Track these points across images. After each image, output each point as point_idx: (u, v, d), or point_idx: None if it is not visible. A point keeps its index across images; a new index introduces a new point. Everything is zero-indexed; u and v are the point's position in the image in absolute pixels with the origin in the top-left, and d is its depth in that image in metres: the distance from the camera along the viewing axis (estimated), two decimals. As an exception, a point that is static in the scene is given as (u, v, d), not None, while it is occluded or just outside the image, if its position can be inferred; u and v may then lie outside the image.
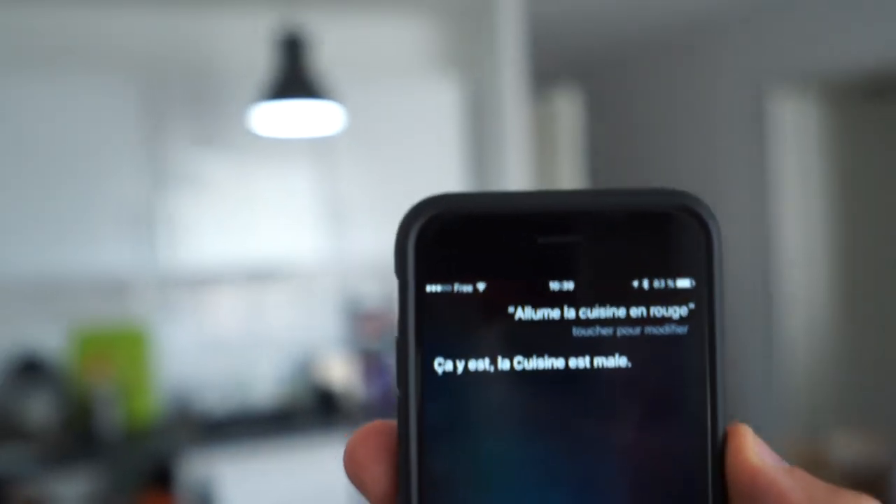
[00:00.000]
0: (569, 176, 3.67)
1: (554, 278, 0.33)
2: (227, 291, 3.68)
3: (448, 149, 3.63)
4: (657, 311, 0.34)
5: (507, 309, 0.33)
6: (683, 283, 0.34)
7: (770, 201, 3.80)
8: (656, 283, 0.34)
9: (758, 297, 3.91)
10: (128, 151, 3.17)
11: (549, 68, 5.34)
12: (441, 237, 0.33)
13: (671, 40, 4.37)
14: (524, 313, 0.33)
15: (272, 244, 3.39)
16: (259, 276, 3.64)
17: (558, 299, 0.33)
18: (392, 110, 3.54)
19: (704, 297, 0.34)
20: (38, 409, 3.06)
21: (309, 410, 3.54)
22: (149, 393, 3.44)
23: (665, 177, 4.49)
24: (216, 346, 3.64)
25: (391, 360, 3.49)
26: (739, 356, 4.04)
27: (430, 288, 0.33)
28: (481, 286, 0.33)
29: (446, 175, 3.62)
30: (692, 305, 0.34)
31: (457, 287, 0.33)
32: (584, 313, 0.33)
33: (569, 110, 3.65)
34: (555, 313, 0.33)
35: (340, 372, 3.54)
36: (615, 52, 4.81)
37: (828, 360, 3.78)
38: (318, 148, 3.44)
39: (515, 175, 3.48)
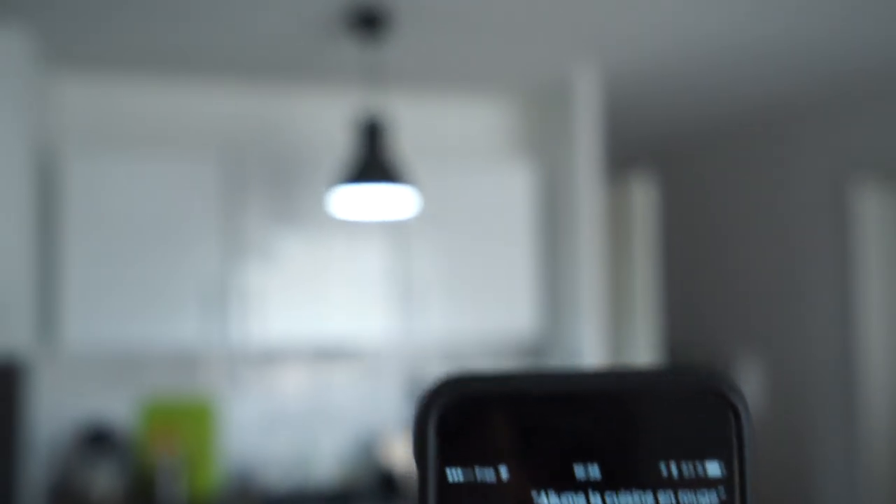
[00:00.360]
0: (642, 262, 3.63)
1: (578, 462, 0.32)
2: (295, 368, 3.70)
3: (521, 233, 3.63)
4: (686, 497, 0.32)
5: (530, 495, 0.32)
6: (713, 466, 0.33)
7: (852, 294, 3.68)
8: (685, 468, 0.33)
9: (838, 395, 3.76)
10: (207, 227, 3.26)
11: (624, 153, 5.34)
12: (463, 421, 0.32)
13: (750, 127, 4.33)
14: (549, 500, 0.32)
15: (341, 322, 3.41)
16: (327, 354, 3.66)
17: (583, 484, 0.32)
18: (466, 193, 3.57)
19: (735, 481, 0.33)
20: (104, 479, 3.10)
21: (369, 491, 3.50)
22: (212, 466, 3.46)
23: (742, 265, 4.40)
24: (281, 422, 3.65)
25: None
26: (819, 452, 3.87)
27: (452, 474, 0.32)
28: (504, 472, 0.32)
29: (519, 259, 3.61)
30: (722, 491, 0.33)
31: (479, 473, 0.32)
32: (611, 499, 0.32)
33: (643, 196, 3.62)
34: (580, 499, 0.32)
35: (402, 454, 3.50)
36: (692, 137, 4.78)
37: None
38: (391, 228, 3.48)
39: (588, 260, 3.44)
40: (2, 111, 2.79)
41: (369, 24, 2.65)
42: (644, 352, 3.61)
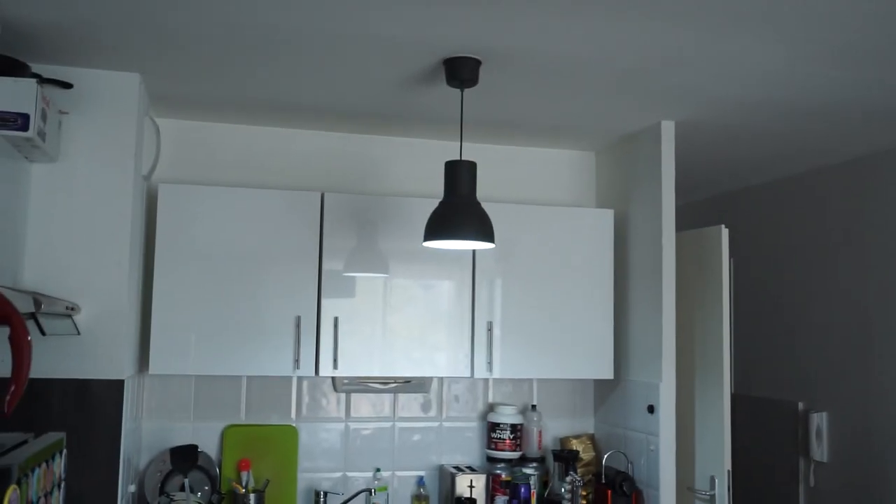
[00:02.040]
0: (712, 311, 3.66)
1: None
2: (370, 399, 3.82)
3: (601, 279, 3.71)
4: None
5: None
6: None
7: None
8: None
9: (912, 451, 3.71)
10: (298, 260, 3.41)
11: (696, 202, 5.38)
12: None
13: (824, 176, 4.34)
14: None
15: (418, 356, 3.52)
16: (403, 386, 3.77)
17: None
18: (547, 239, 3.67)
19: None
20: (190, 499, 3.24)
21: (439, 525, 3.59)
22: (292, 491, 3.59)
23: (815, 316, 4.39)
24: (356, 451, 3.77)
25: (519, 483, 3.51)
26: (891, 512, 3.82)
27: None
28: None
29: (597, 305, 3.69)
30: None
31: None
32: None
33: (717, 243, 3.67)
34: None
35: (473, 486, 3.58)
36: (766, 186, 4.81)
37: None
38: (470, 267, 3.59)
39: (669, 308, 3.50)
40: (117, 145, 2.98)
41: (461, 74, 2.78)
42: (713, 402, 3.63)
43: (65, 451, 2.60)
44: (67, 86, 2.84)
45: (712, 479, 3.58)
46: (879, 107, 3.25)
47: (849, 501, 4.08)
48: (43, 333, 2.52)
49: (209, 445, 3.60)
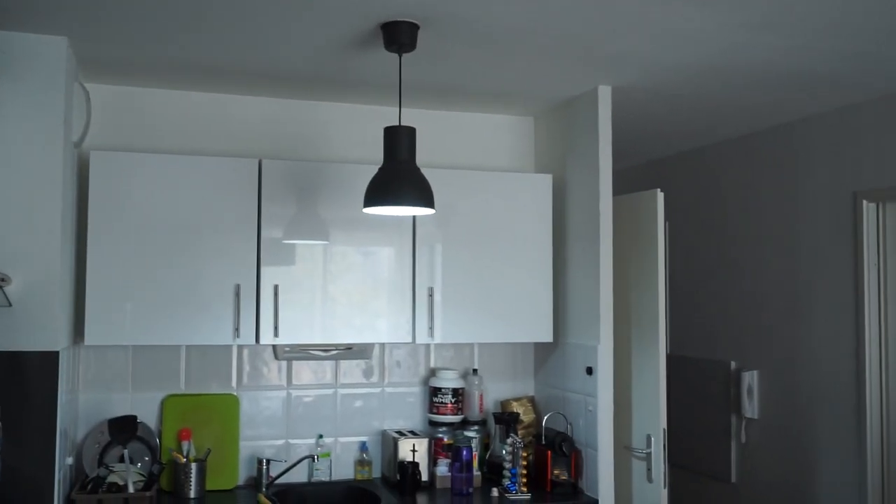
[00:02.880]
0: (647, 273, 3.73)
1: None
2: (311, 366, 3.82)
3: (539, 244, 3.74)
4: None
5: None
6: None
7: (860, 305, 3.78)
8: None
9: (843, 408, 3.86)
10: (236, 228, 3.37)
11: (631, 165, 5.45)
12: None
13: (757, 139, 4.44)
14: None
15: (359, 322, 3.53)
16: (344, 353, 3.77)
17: None
18: (486, 204, 3.69)
19: None
20: (129, 470, 3.21)
21: (382, 486, 3.62)
22: (234, 459, 3.58)
23: (748, 277, 4.50)
24: (298, 418, 3.77)
25: (462, 447, 3.56)
26: (822, 467, 3.98)
27: None
28: None
29: (536, 269, 3.73)
30: None
31: None
32: None
33: (649, 208, 3.73)
34: None
35: (416, 450, 3.61)
36: (700, 150, 4.90)
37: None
38: (410, 233, 3.59)
39: (606, 271, 3.55)
40: (46, 111, 2.89)
41: (399, 39, 2.76)
42: (650, 363, 3.72)
43: (0, 424, 2.55)
44: (-9, 49, 2.74)
45: (648, 438, 3.68)
46: (809, 72, 3.33)
47: (777, 455, 4.24)
48: (-28, 305, 2.45)
49: (149, 416, 3.56)
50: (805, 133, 4.11)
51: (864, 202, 3.75)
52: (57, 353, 2.86)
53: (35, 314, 2.84)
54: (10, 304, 2.79)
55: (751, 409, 4.39)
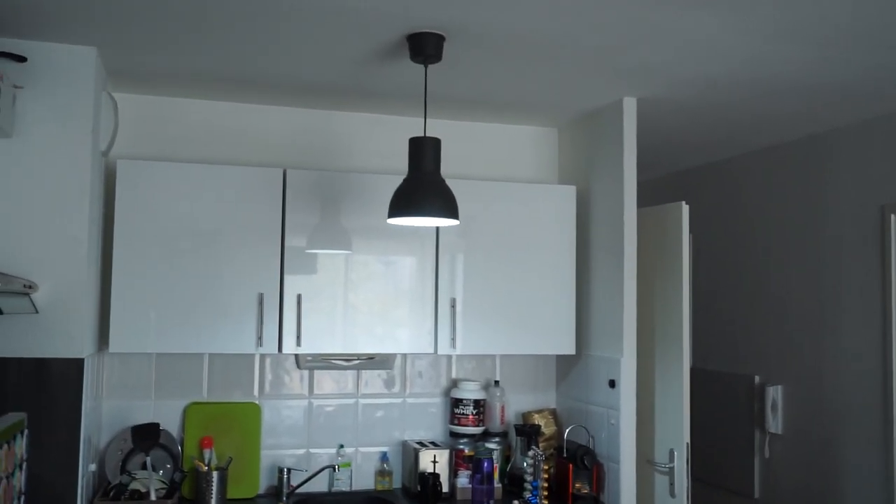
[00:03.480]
0: (673, 286, 3.71)
1: None
2: (333, 376, 3.82)
3: (563, 255, 3.73)
4: None
5: None
6: None
7: (887, 320, 3.73)
8: None
9: (870, 425, 3.81)
10: (260, 238, 3.38)
11: (658, 177, 5.43)
12: None
13: (785, 153, 4.41)
14: None
15: (381, 332, 3.52)
16: (366, 363, 3.77)
17: None
18: (510, 215, 3.68)
19: None
20: (151, 477, 3.22)
21: (403, 496, 3.61)
22: (255, 467, 3.58)
23: (774, 291, 4.47)
24: (320, 428, 3.77)
25: (482, 458, 3.55)
26: (847, 484, 3.93)
27: None
28: None
29: (560, 281, 3.72)
30: None
31: None
32: None
33: (677, 219, 3.70)
34: None
35: (437, 461, 3.60)
36: (727, 162, 4.87)
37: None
38: (433, 243, 3.59)
39: (630, 284, 3.53)
40: (74, 120, 2.92)
41: (425, 50, 2.76)
42: (673, 376, 3.69)
43: (26, 431, 2.57)
44: (21, 59, 2.77)
45: (671, 452, 3.65)
46: (834, 84, 3.30)
47: (801, 472, 4.19)
48: (0, 312, 2.47)
49: (171, 423, 3.58)
50: (832, 145, 4.08)
51: (892, 216, 3.70)
52: (82, 360, 2.88)
53: (61, 321, 2.86)
54: (37, 312, 2.82)
55: (775, 423, 4.34)
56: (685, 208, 3.69)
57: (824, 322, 4.08)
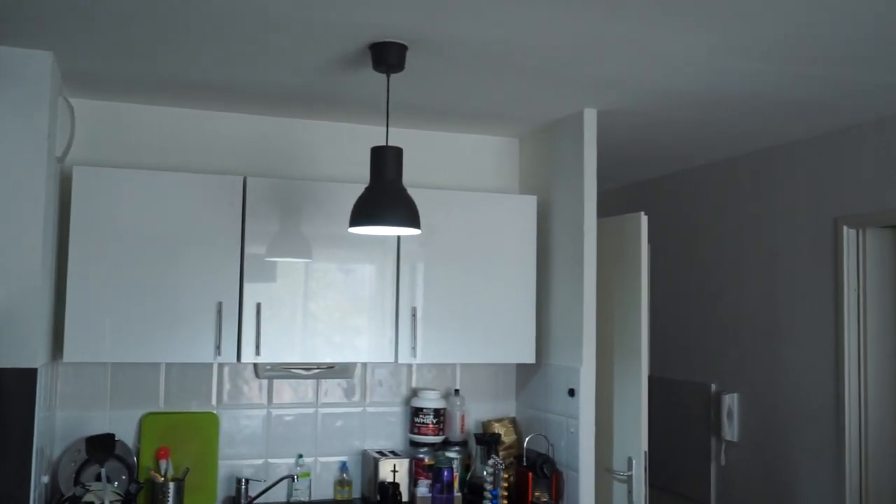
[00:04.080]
0: (630, 295, 3.75)
1: None
2: (293, 385, 3.79)
3: (523, 265, 3.75)
4: None
5: None
6: None
7: (839, 331, 3.80)
8: None
9: (821, 432, 3.88)
10: (219, 246, 3.35)
11: (615, 188, 5.48)
12: None
13: (739, 163, 4.48)
14: None
15: (340, 341, 3.51)
16: (326, 372, 3.75)
17: None
18: (470, 224, 3.69)
19: None
20: (106, 489, 3.17)
21: (362, 510, 3.59)
22: (211, 478, 3.54)
23: (729, 301, 4.53)
24: (278, 438, 3.74)
25: (442, 468, 3.54)
26: (799, 490, 3.99)
27: None
28: None
29: (520, 290, 3.73)
30: None
31: None
32: None
33: (636, 230, 3.74)
34: None
35: (397, 470, 3.59)
36: (681, 174, 4.93)
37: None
38: (394, 252, 3.58)
39: (589, 293, 3.56)
40: (30, 125, 2.87)
41: (387, 60, 2.76)
42: (631, 385, 3.72)
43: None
44: (-25, 62, 2.72)
45: (630, 460, 3.68)
46: (791, 98, 3.36)
47: (757, 478, 4.25)
48: (-49, 321, 2.42)
49: (126, 434, 3.52)
50: (786, 158, 4.15)
51: (845, 228, 3.78)
52: (35, 370, 2.82)
53: (14, 330, 2.80)
54: (-11, 320, 2.75)
55: (730, 431, 4.40)
56: (644, 219, 3.73)
57: (779, 332, 4.15)
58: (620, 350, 3.81)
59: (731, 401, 4.40)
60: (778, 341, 4.15)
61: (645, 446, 3.63)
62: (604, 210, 3.87)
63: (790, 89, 3.22)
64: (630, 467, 3.67)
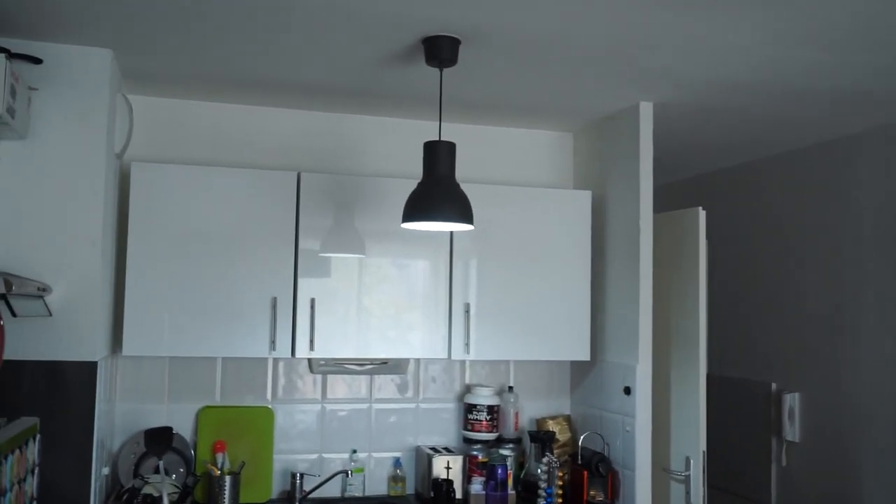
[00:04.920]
0: (689, 292, 3.67)
1: None
2: (346, 380, 3.80)
3: (578, 261, 3.70)
4: None
5: None
6: None
7: (900, 333, 3.69)
8: None
9: (883, 432, 3.77)
10: (274, 241, 3.37)
11: (673, 183, 5.39)
12: None
13: (802, 157, 4.36)
14: None
15: (394, 336, 3.50)
16: (379, 368, 3.76)
17: None
18: (525, 220, 3.65)
19: None
20: (164, 482, 3.21)
21: (417, 502, 3.59)
22: (266, 472, 3.57)
23: (791, 297, 4.42)
24: (332, 433, 3.75)
25: (496, 465, 3.52)
26: (859, 490, 3.88)
27: None
28: None
29: (575, 287, 3.69)
30: None
31: None
32: None
33: (694, 225, 3.67)
34: None
35: (450, 467, 3.58)
36: (744, 167, 4.83)
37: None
38: (447, 248, 3.57)
39: (646, 289, 3.50)
40: (89, 122, 2.92)
41: (440, 54, 2.74)
42: (689, 383, 3.65)
43: (38, 436, 2.56)
44: (37, 61, 2.77)
45: (687, 460, 3.61)
46: (854, 89, 3.26)
47: (819, 480, 4.14)
48: (14, 315, 2.47)
49: (184, 427, 3.57)
50: (851, 150, 4.03)
51: (913, 222, 3.66)
52: (95, 363, 2.87)
53: (74, 324, 2.86)
54: (51, 314, 2.81)
55: (792, 431, 4.29)
56: (702, 214, 3.65)
57: (843, 329, 4.03)
58: (678, 347, 3.74)
59: (792, 400, 4.29)
60: (842, 339, 4.03)
61: (703, 446, 3.56)
62: (660, 205, 3.80)
63: (845, 79, 3.11)
64: (688, 467, 3.60)
